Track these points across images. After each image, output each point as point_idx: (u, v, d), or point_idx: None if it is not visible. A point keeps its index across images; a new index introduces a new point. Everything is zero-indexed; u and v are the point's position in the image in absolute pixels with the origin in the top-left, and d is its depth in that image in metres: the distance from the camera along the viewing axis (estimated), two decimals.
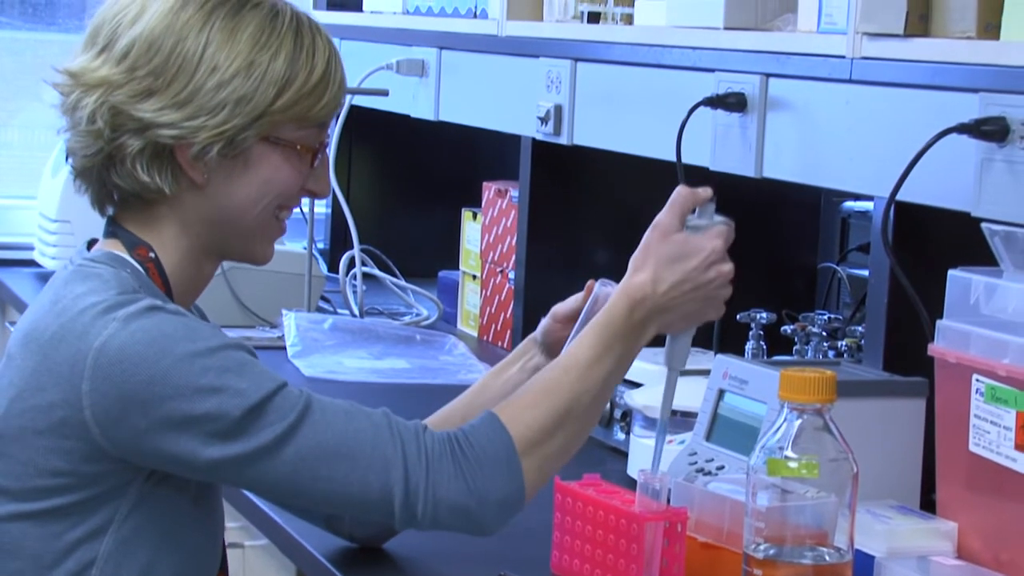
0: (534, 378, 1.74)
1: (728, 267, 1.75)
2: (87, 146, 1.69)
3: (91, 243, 1.75)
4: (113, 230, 1.73)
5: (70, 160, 1.73)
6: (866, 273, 2.61)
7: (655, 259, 1.73)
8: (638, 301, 1.72)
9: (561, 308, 1.89)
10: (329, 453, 1.61)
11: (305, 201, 3.36)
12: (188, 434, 1.59)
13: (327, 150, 1.76)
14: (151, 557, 1.66)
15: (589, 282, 1.87)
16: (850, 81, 2.08)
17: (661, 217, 1.75)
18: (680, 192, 1.76)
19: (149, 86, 1.67)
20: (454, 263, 3.39)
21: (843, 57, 2.08)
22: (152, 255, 1.70)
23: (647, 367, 2.22)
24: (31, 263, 3.75)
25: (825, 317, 2.55)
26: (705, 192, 1.76)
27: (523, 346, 1.91)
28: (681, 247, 1.73)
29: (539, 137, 2.84)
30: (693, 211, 1.76)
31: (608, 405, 2.43)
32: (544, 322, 1.90)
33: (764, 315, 2.55)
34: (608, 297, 1.81)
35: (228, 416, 1.59)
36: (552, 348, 1.88)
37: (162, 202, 1.70)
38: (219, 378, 1.59)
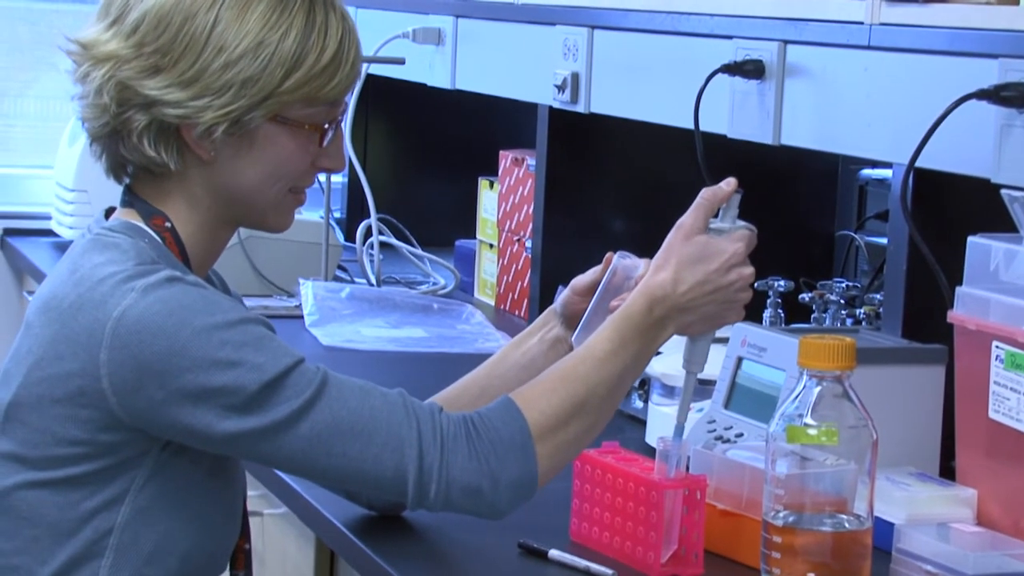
0: (555, 365, 1.74)
1: (749, 271, 1.75)
2: (96, 117, 1.69)
3: (108, 212, 1.75)
4: (130, 199, 1.73)
5: (85, 126, 1.73)
6: (884, 241, 2.60)
7: (677, 259, 1.73)
8: (658, 299, 1.72)
9: (580, 280, 1.89)
10: (344, 430, 1.62)
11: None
12: (204, 407, 1.60)
13: (342, 125, 1.75)
14: (168, 527, 1.66)
15: (608, 254, 1.86)
16: (869, 47, 2.07)
17: (685, 218, 1.75)
18: (704, 195, 1.75)
19: (156, 63, 1.66)
20: (471, 232, 3.39)
21: (861, 23, 2.07)
22: (168, 224, 1.71)
23: None
24: (48, 232, 3.76)
25: (843, 285, 2.54)
26: (728, 185, 1.75)
27: (543, 318, 1.91)
28: (703, 248, 1.73)
29: (556, 105, 2.83)
30: (716, 214, 1.76)
31: None
32: (563, 294, 1.90)
33: (782, 283, 2.55)
34: (627, 270, 1.80)
35: (245, 390, 1.60)
36: (571, 320, 1.88)
37: (171, 176, 1.70)
38: (237, 352, 1.60)
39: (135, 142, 1.67)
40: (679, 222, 1.75)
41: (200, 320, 1.60)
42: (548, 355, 1.86)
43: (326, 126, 1.71)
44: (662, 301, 1.72)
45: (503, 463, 1.65)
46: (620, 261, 1.84)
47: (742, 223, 1.76)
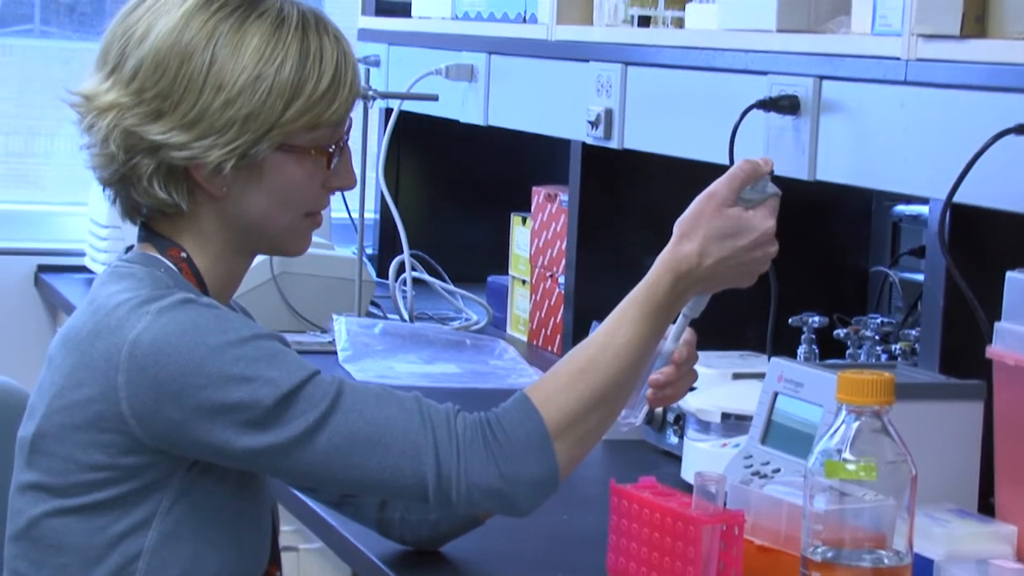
0: (571, 354, 1.71)
1: (774, 249, 1.73)
2: (105, 165, 1.71)
3: (128, 249, 1.77)
4: (146, 235, 1.74)
5: (96, 174, 1.74)
6: (918, 277, 2.60)
7: (705, 231, 1.70)
8: (683, 274, 1.70)
9: None
10: (361, 441, 1.62)
11: (355, 206, 3.39)
12: (222, 423, 1.61)
13: (347, 144, 1.75)
14: (196, 549, 1.67)
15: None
16: (905, 83, 2.07)
17: (718, 188, 1.72)
18: (743, 166, 1.73)
19: (158, 108, 1.67)
20: (503, 268, 3.39)
21: (898, 59, 2.07)
22: (184, 255, 1.72)
23: (702, 371, 2.21)
24: (82, 269, 3.77)
25: (878, 321, 2.53)
26: (767, 165, 1.74)
27: None
28: (735, 223, 1.71)
29: (589, 141, 2.83)
30: None
31: (661, 408, 2.42)
32: None
33: (816, 319, 2.54)
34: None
35: (260, 405, 1.60)
36: None
37: (184, 215, 1.71)
38: (251, 367, 1.61)
39: (146, 186, 1.69)
40: (711, 190, 1.72)
41: (213, 338, 1.61)
42: None
43: (331, 148, 1.72)
44: (687, 276, 1.70)
45: (522, 464, 1.64)
46: None
47: (771, 189, 1.73)
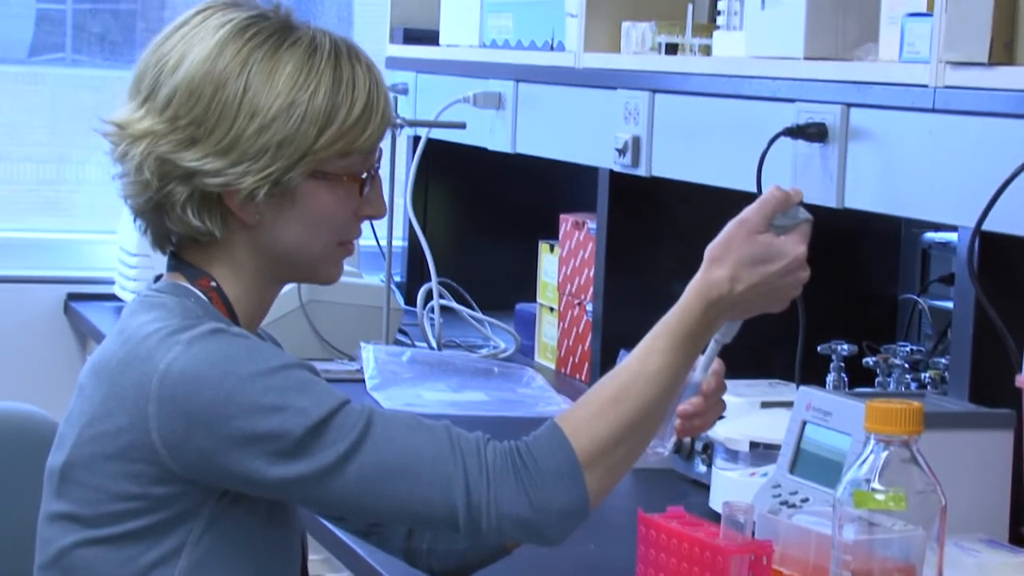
0: (602, 383, 1.70)
1: (805, 274, 1.72)
2: (139, 193, 1.71)
3: (158, 278, 1.77)
4: (176, 264, 1.75)
5: (128, 203, 1.75)
6: (948, 305, 2.59)
7: (736, 257, 1.69)
8: (714, 301, 1.69)
9: None
10: (390, 471, 1.62)
11: (383, 234, 3.39)
12: (252, 453, 1.60)
13: (378, 172, 1.76)
14: None
15: None
16: (933, 111, 2.06)
17: (749, 215, 1.71)
18: (774, 193, 1.72)
19: (192, 135, 1.68)
20: (531, 295, 3.39)
21: (926, 86, 2.07)
22: (214, 284, 1.72)
23: (731, 400, 2.21)
24: (112, 297, 3.79)
25: (907, 349, 2.52)
26: (797, 194, 1.73)
27: None
28: (766, 250, 1.70)
29: (617, 169, 2.83)
30: None
31: (689, 438, 2.41)
32: None
33: (845, 347, 2.53)
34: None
35: (291, 435, 1.60)
36: None
37: (216, 243, 1.72)
38: (281, 397, 1.61)
39: (179, 214, 1.69)
40: (742, 217, 1.71)
41: (244, 368, 1.61)
42: None
43: (363, 175, 1.73)
44: (718, 303, 1.69)
45: (552, 494, 1.63)
46: None
47: (803, 215, 1.72)
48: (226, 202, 1.69)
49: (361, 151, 1.71)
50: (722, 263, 1.69)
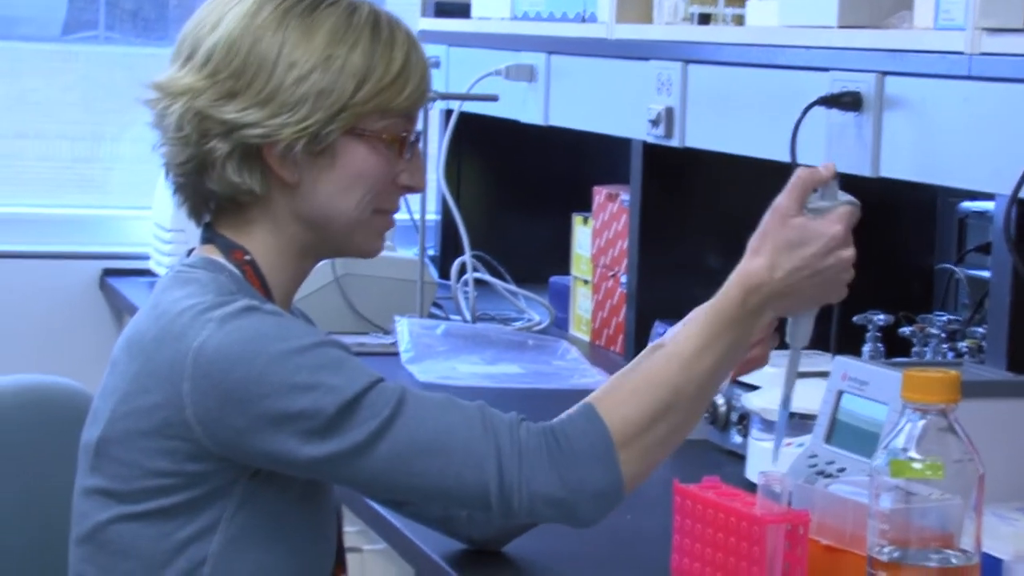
0: (637, 363, 1.71)
1: (849, 252, 1.70)
2: (178, 154, 1.71)
3: (191, 252, 1.77)
4: (209, 236, 1.75)
5: (168, 176, 1.75)
6: (984, 274, 2.57)
7: (772, 244, 1.69)
8: (753, 288, 1.68)
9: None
10: (422, 449, 1.62)
11: (416, 208, 3.39)
12: (285, 432, 1.61)
13: (419, 145, 1.76)
14: (262, 555, 1.67)
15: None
16: (969, 78, 2.04)
17: (780, 200, 1.70)
18: (800, 174, 1.71)
19: (231, 88, 1.69)
20: (565, 268, 3.38)
21: (961, 53, 2.05)
22: (248, 257, 1.72)
23: (766, 369, 2.19)
24: (147, 272, 3.80)
25: (944, 318, 2.51)
26: (827, 170, 1.71)
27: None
28: (800, 232, 1.69)
29: (650, 140, 2.82)
30: (815, 191, 1.71)
31: (725, 408, 2.41)
32: None
33: (881, 317, 2.52)
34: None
35: (323, 413, 1.60)
36: None
37: (256, 204, 1.72)
38: (313, 375, 1.61)
39: (220, 171, 1.70)
40: (774, 203, 1.70)
41: (276, 346, 1.61)
42: None
43: (403, 135, 1.73)
44: (757, 290, 1.68)
45: (585, 474, 1.63)
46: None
47: (844, 198, 1.70)
48: (266, 157, 1.69)
49: (399, 111, 1.72)
50: (759, 252, 1.69)
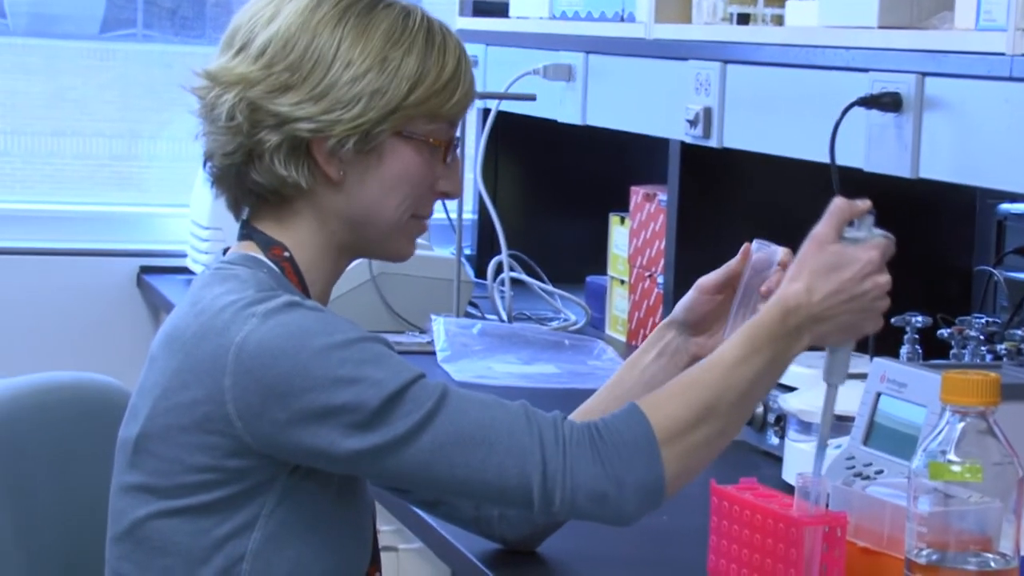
0: (679, 374, 1.72)
1: (885, 279, 1.72)
2: (225, 144, 1.72)
3: (227, 250, 1.78)
4: (247, 232, 1.76)
5: (207, 166, 1.76)
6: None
7: (810, 269, 1.71)
8: (792, 309, 1.70)
9: (708, 280, 1.87)
10: (465, 440, 1.62)
11: (453, 207, 3.40)
12: (327, 426, 1.61)
13: (458, 152, 1.77)
14: (300, 552, 1.67)
15: (745, 245, 1.84)
16: (1010, 79, 2.03)
17: (818, 228, 1.73)
18: (837, 203, 1.74)
19: (286, 81, 1.70)
20: (602, 268, 3.38)
21: (1002, 55, 2.04)
22: (287, 254, 1.73)
23: (802, 371, 2.19)
24: (184, 270, 3.81)
25: (983, 320, 2.50)
26: (863, 204, 1.74)
27: (656, 333, 1.89)
28: (836, 257, 1.71)
29: (688, 140, 2.82)
30: (851, 223, 1.73)
31: (761, 409, 2.40)
32: (687, 297, 1.88)
33: (919, 319, 2.51)
34: (769, 255, 1.78)
35: (366, 406, 1.61)
36: (697, 325, 1.86)
37: (299, 198, 1.73)
38: (357, 369, 1.61)
39: (267, 163, 1.70)
40: (812, 232, 1.73)
41: (319, 341, 1.62)
42: (668, 369, 1.85)
43: (447, 141, 1.74)
44: (796, 311, 1.70)
45: (628, 467, 1.63)
46: (759, 250, 1.81)
47: (879, 231, 1.73)
48: (314, 152, 1.70)
49: (446, 117, 1.74)
50: (798, 277, 1.71)
